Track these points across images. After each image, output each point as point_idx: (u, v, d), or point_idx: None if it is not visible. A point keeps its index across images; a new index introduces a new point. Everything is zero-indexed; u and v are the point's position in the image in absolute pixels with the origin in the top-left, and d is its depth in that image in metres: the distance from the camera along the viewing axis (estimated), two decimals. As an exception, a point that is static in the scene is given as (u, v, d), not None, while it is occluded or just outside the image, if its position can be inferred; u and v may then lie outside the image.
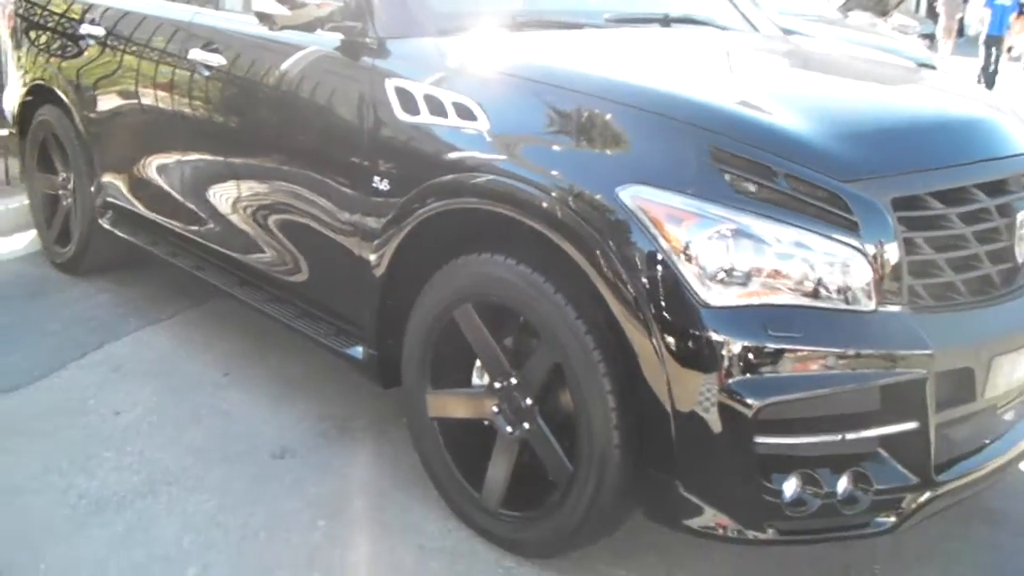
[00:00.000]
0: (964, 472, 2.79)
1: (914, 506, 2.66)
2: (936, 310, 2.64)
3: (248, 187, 3.85)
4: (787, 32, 6.98)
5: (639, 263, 2.53)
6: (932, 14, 31.08)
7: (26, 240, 5.76)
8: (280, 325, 3.78)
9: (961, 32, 27.32)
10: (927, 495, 2.67)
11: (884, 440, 2.60)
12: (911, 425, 2.58)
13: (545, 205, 2.71)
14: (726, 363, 2.46)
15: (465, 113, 2.94)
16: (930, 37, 25.02)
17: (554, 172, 2.72)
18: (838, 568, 3.03)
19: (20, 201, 5.99)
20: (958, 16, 26.30)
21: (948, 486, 2.72)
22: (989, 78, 18.97)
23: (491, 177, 2.83)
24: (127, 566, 2.87)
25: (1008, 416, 3.03)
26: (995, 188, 2.80)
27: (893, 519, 2.65)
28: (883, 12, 17.14)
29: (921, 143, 2.80)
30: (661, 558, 3.01)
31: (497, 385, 2.96)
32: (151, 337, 4.51)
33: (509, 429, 2.94)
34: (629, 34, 3.63)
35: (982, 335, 2.72)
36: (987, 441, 2.92)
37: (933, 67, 8.84)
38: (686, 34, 3.82)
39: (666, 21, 3.85)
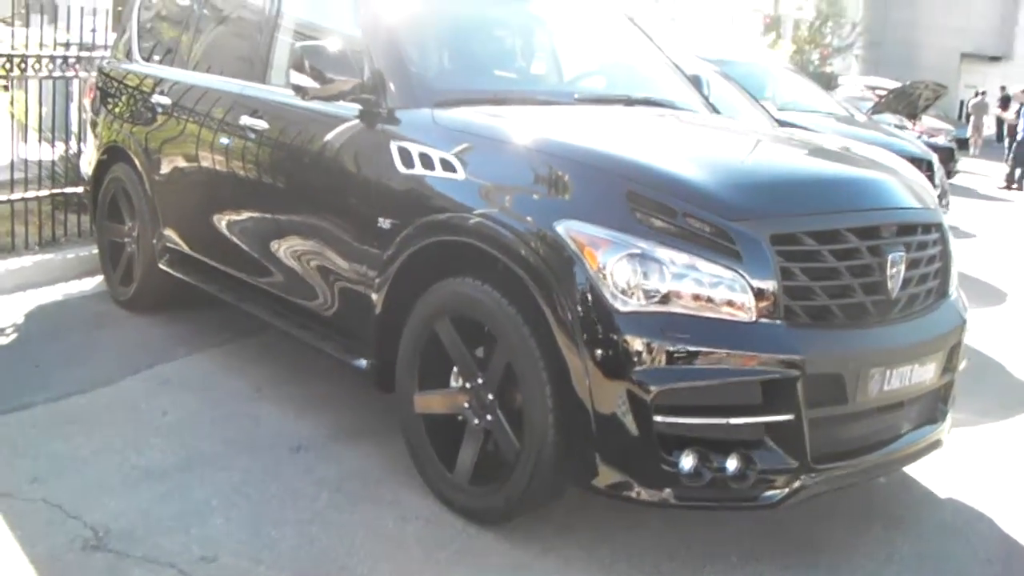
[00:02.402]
0: (842, 464, 3.46)
1: (794, 486, 3.33)
2: (810, 326, 3.34)
3: (281, 230, 4.65)
4: (782, 124, 7.81)
5: (569, 279, 3.27)
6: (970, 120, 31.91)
7: (94, 283, 6.58)
8: (305, 345, 4.54)
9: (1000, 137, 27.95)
10: (805, 478, 3.34)
11: (768, 428, 3.29)
12: (787, 417, 3.27)
13: (501, 237, 3.46)
14: (632, 357, 3.18)
15: (448, 167, 3.73)
16: (963, 142, 25.77)
17: (510, 210, 3.50)
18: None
19: (89, 250, 6.83)
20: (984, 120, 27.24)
21: (825, 474, 3.40)
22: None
23: (462, 215, 3.61)
24: (165, 515, 3.61)
25: (904, 427, 3.70)
26: (867, 233, 3.51)
27: (776, 495, 3.32)
28: (912, 115, 17.90)
29: (799, 193, 3.56)
30: (598, 532, 3.68)
31: (468, 385, 3.68)
32: (196, 361, 5.28)
33: (476, 420, 3.66)
34: (590, 110, 4.43)
35: (852, 350, 3.42)
36: (872, 443, 3.59)
37: (928, 160, 9.57)
38: (639, 112, 4.59)
39: (629, 101, 4.63)
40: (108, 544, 3.40)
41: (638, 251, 3.21)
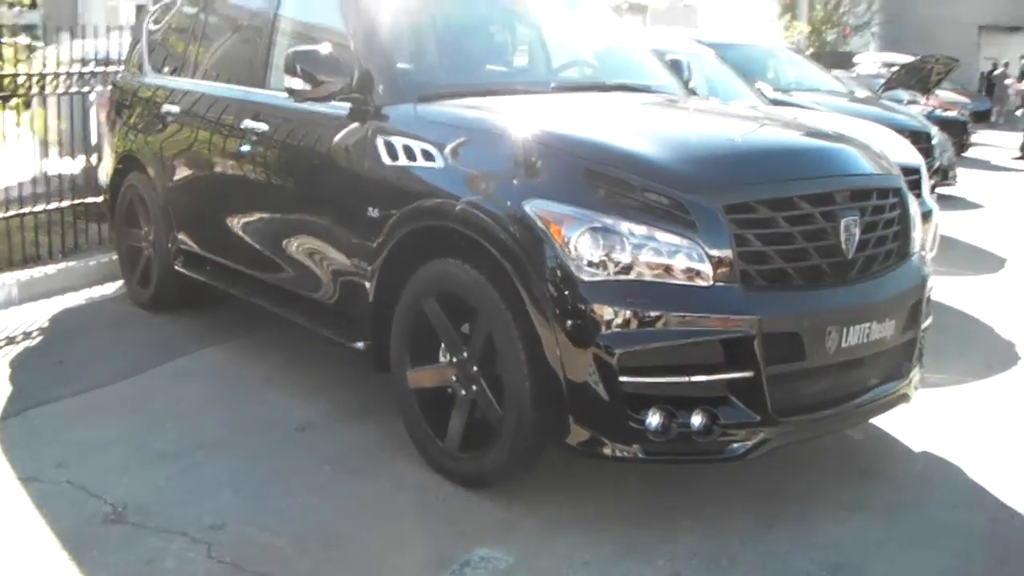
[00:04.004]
0: (804, 417, 3.70)
1: (757, 439, 3.57)
2: (767, 289, 3.58)
3: (283, 227, 4.93)
4: (776, 103, 8.03)
5: (538, 255, 3.53)
6: (990, 92, 31.84)
7: (114, 287, 6.90)
8: (308, 334, 4.82)
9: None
10: (768, 431, 3.58)
11: (730, 385, 3.53)
12: (747, 374, 3.51)
13: (478, 219, 3.72)
14: (598, 323, 3.44)
15: (428, 156, 4.00)
16: (983, 113, 25.73)
17: (485, 193, 3.76)
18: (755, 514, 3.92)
19: (110, 256, 7.15)
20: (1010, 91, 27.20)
21: (787, 426, 3.63)
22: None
23: (442, 201, 3.87)
24: (180, 490, 3.90)
25: (869, 382, 3.92)
26: (819, 199, 3.74)
27: (741, 448, 3.56)
28: (925, 90, 17.97)
29: (752, 164, 3.81)
30: (581, 492, 3.93)
31: (454, 359, 3.94)
32: (210, 356, 5.57)
33: (463, 392, 3.91)
34: (565, 98, 4.67)
35: (807, 310, 3.65)
36: (834, 397, 3.82)
37: (927, 132, 9.74)
38: (612, 97, 4.83)
39: (604, 87, 4.88)
40: (126, 518, 3.69)
41: (600, 225, 3.47)
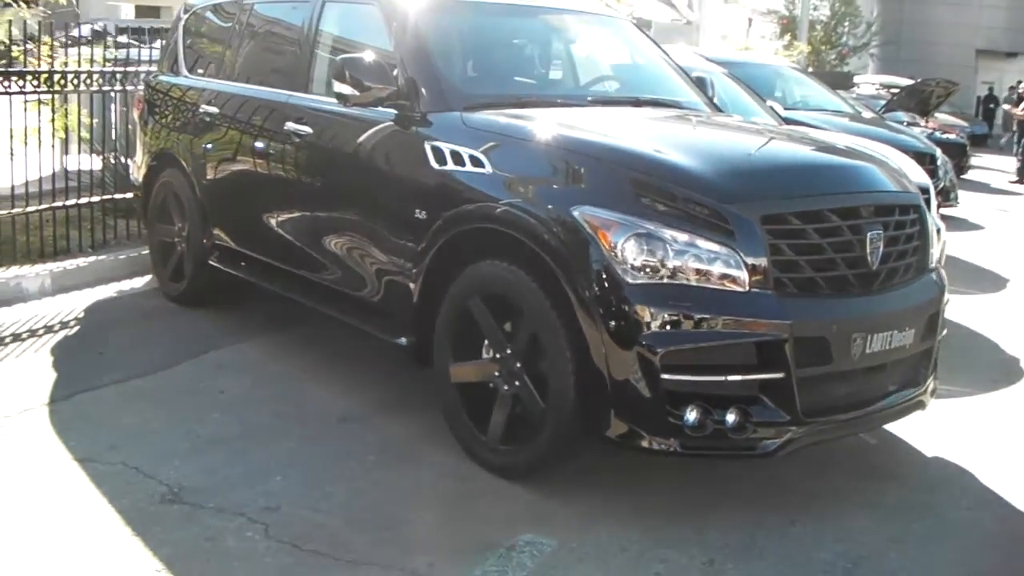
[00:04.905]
0: (830, 419, 3.91)
1: (786, 437, 3.78)
2: (798, 296, 3.80)
3: (327, 225, 5.13)
4: (788, 121, 8.25)
5: (584, 258, 3.74)
6: (987, 117, 32.16)
7: (143, 281, 7.09)
8: (345, 331, 5.02)
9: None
10: (796, 430, 3.79)
11: (762, 386, 3.74)
12: (778, 375, 3.72)
13: (525, 223, 3.93)
14: (642, 323, 3.65)
15: (477, 162, 4.20)
16: (981, 137, 25.98)
17: (533, 199, 3.97)
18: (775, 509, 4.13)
19: (139, 251, 7.34)
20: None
21: (815, 427, 3.85)
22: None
23: (490, 205, 4.08)
24: (230, 474, 4.10)
25: (888, 388, 4.14)
26: (847, 213, 3.96)
27: (771, 445, 3.77)
28: (924, 113, 18.26)
29: (786, 179, 4.05)
30: (615, 488, 4.14)
31: (498, 355, 4.15)
32: (245, 348, 5.76)
33: (506, 387, 4.11)
34: (602, 111, 4.90)
35: (835, 317, 3.87)
36: (857, 401, 4.04)
37: (932, 154, 9.99)
38: (646, 111, 5.05)
39: (637, 102, 5.11)
40: (184, 498, 3.88)
41: (644, 231, 3.68)
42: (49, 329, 5.93)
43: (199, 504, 3.84)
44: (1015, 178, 19.60)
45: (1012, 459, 4.72)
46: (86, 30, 8.87)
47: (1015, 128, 22.93)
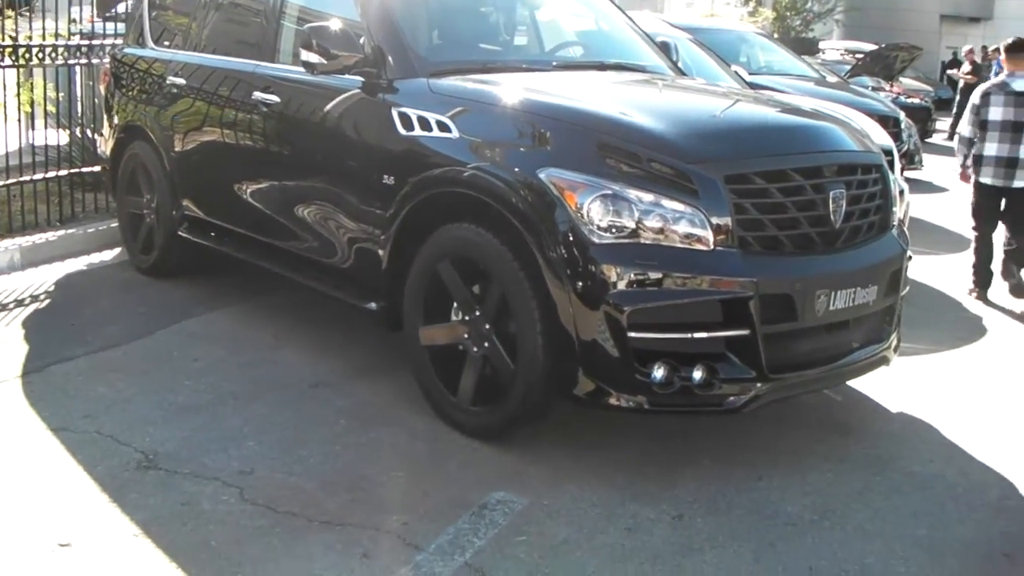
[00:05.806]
0: (795, 374, 3.99)
1: (753, 393, 3.85)
2: (762, 254, 3.86)
3: (296, 193, 5.15)
4: (753, 86, 8.31)
5: (551, 219, 3.79)
6: (951, 82, 32.29)
7: (112, 254, 7.08)
8: (316, 298, 5.05)
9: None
10: (762, 386, 3.86)
11: (728, 343, 3.81)
12: (744, 332, 3.79)
13: (493, 186, 3.98)
14: (608, 283, 3.71)
15: (443, 127, 4.24)
16: (945, 101, 26.10)
17: (499, 162, 4.01)
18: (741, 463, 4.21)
19: (108, 224, 7.33)
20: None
21: (780, 382, 3.92)
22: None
23: (457, 169, 4.12)
24: (204, 439, 4.14)
25: (852, 344, 4.22)
26: (810, 172, 4.03)
27: (738, 401, 3.84)
28: (889, 78, 18.37)
29: (750, 139, 4.11)
30: (586, 443, 4.21)
31: (467, 317, 4.20)
32: (217, 317, 5.79)
33: (475, 348, 4.17)
34: (567, 75, 4.94)
35: (799, 274, 3.94)
36: (822, 357, 4.12)
37: (895, 117, 10.08)
38: (611, 75, 5.10)
39: (602, 66, 5.15)
40: (159, 464, 3.92)
41: (610, 192, 3.73)
42: (20, 303, 5.93)
43: (174, 470, 3.88)
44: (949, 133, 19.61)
45: (974, 414, 4.82)
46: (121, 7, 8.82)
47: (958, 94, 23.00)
